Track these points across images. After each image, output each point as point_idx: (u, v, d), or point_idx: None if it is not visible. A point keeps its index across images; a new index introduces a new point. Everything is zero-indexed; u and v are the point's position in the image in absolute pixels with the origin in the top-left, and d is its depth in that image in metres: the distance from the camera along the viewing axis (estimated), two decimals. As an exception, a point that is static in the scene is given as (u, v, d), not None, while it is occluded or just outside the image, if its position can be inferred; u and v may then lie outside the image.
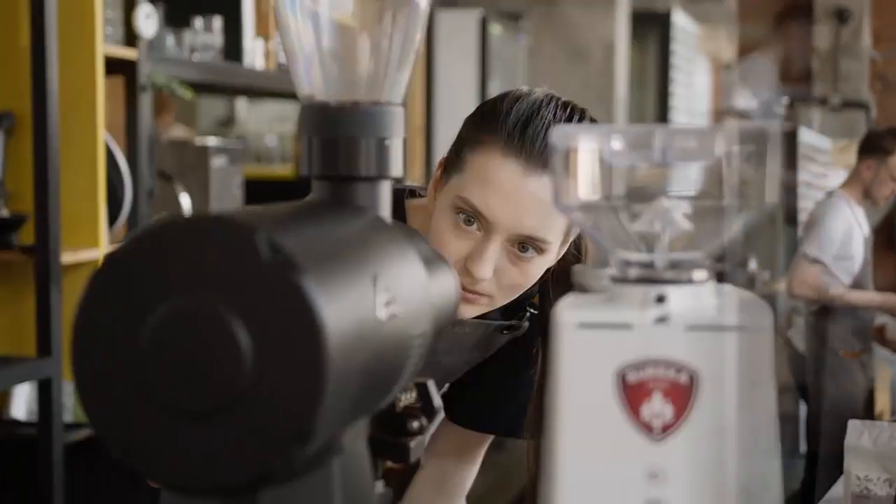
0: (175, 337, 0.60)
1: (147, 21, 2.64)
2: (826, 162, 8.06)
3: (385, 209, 0.80)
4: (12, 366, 2.30)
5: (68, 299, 2.42)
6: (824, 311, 4.29)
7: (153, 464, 0.61)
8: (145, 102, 2.70)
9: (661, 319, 0.67)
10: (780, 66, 7.43)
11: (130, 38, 2.67)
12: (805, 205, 7.48)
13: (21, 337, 2.44)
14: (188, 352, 0.60)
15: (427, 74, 4.58)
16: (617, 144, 0.69)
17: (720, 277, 0.72)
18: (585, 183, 0.70)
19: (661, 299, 0.68)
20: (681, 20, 7.69)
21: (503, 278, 1.27)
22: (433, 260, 0.83)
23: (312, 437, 0.60)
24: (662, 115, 7.65)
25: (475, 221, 1.25)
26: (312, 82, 0.81)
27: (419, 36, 0.82)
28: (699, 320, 0.67)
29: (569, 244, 1.34)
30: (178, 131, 3.94)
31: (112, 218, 2.58)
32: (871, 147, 4.31)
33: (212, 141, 3.18)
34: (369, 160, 0.79)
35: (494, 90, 5.89)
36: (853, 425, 1.94)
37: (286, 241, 0.60)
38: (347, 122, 0.79)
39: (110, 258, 0.61)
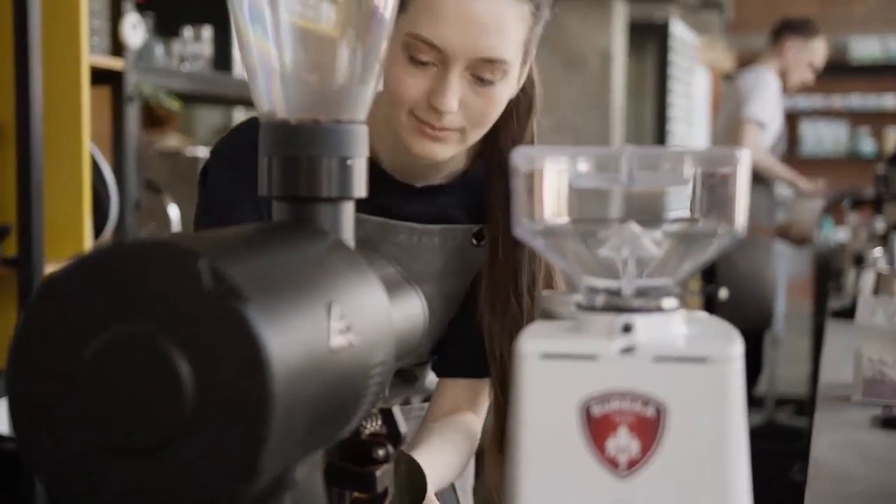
0: (114, 367, 0.57)
1: (134, 31, 2.61)
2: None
3: (347, 231, 0.77)
4: (-5, 379, 2.27)
5: (51, 312, 2.38)
6: None
7: (90, 500, 0.58)
8: (132, 113, 2.67)
9: (628, 350, 0.64)
10: None
11: (118, 47, 2.64)
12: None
13: (4, 350, 2.40)
14: (127, 384, 0.57)
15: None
16: (583, 166, 0.66)
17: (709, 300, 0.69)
18: (550, 206, 0.68)
19: (627, 329, 0.65)
20: (679, 30, 7.66)
21: (469, 109, 1.24)
22: (397, 284, 0.80)
23: (258, 474, 0.57)
24: (660, 124, 7.62)
25: (429, 56, 1.22)
26: (272, 99, 0.78)
27: (383, 50, 0.80)
28: (667, 351, 0.64)
29: (527, 68, 1.32)
30: (172, 141, 3.91)
31: (98, 229, 2.56)
32: (795, 29, 4.52)
33: (202, 151, 3.15)
34: (331, 180, 0.76)
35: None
36: (864, 302, 1.81)
37: (231, 269, 0.58)
38: (308, 141, 0.76)
39: (49, 283, 0.59)
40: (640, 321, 0.65)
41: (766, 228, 4.46)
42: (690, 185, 0.66)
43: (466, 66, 1.22)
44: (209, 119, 4.87)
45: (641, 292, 0.67)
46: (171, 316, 0.57)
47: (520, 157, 0.67)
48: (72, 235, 2.46)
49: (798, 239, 4.83)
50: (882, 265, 2.93)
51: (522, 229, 0.67)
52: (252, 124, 1.36)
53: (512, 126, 1.35)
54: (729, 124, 4.45)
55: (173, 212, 2.90)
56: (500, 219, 1.34)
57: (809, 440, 1.59)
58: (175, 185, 3.03)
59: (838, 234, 8.85)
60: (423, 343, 1.31)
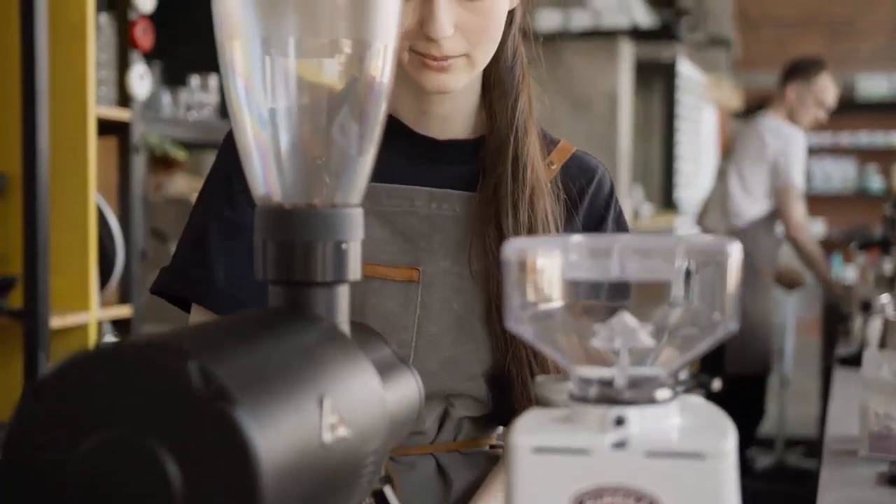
0: (103, 470, 0.57)
1: (141, 82, 2.63)
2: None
3: (342, 314, 0.77)
4: (1, 431, 2.27)
5: (56, 364, 2.38)
6: (750, 232, 4.36)
7: None
8: (138, 163, 2.68)
9: (620, 444, 0.64)
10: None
11: (124, 98, 2.65)
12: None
13: (9, 403, 2.41)
14: (117, 486, 0.57)
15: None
16: (574, 257, 0.66)
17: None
18: (541, 297, 0.68)
19: (620, 422, 0.65)
20: (686, 69, 7.68)
21: (467, 30, 1.17)
22: (391, 365, 0.80)
23: (248, 576, 0.57)
24: (668, 163, 7.63)
25: None
26: (268, 183, 0.78)
27: (377, 134, 0.80)
28: (659, 446, 0.64)
29: None
30: (180, 182, 3.92)
31: (104, 280, 2.56)
32: (797, 71, 4.53)
33: (209, 198, 3.15)
34: (326, 265, 0.76)
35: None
36: (870, 356, 1.78)
37: (221, 368, 0.58)
38: (303, 226, 0.76)
39: (38, 385, 0.59)
40: (633, 414, 0.65)
41: (769, 271, 4.45)
42: (682, 275, 0.66)
43: None
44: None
45: (634, 382, 0.67)
46: (160, 418, 0.57)
47: (510, 250, 0.67)
48: (77, 287, 2.47)
49: (788, 283, 4.82)
50: (890, 312, 2.92)
51: (514, 320, 0.67)
52: None
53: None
54: (757, 179, 4.42)
55: (179, 260, 2.90)
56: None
57: (818, 487, 1.59)
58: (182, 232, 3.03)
59: (847, 273, 8.85)
60: (463, 357, 1.23)
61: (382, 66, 0.78)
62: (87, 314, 2.49)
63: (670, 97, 7.50)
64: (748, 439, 4.62)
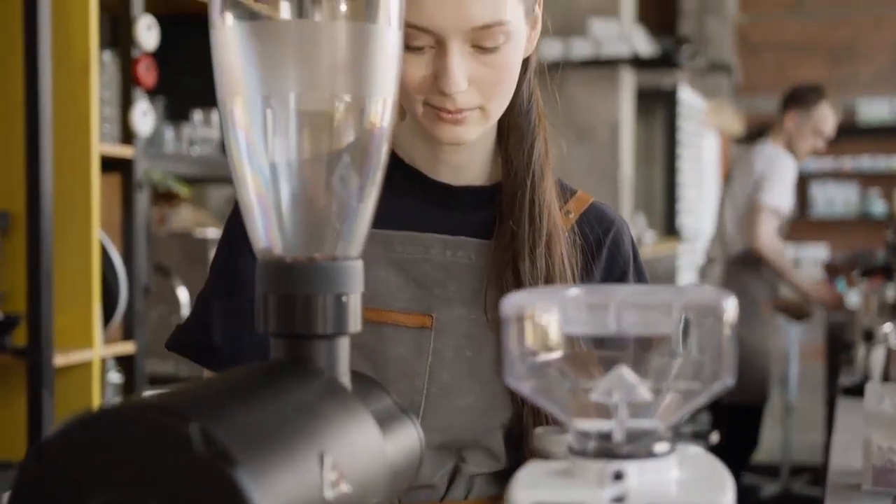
0: (106, 531, 0.58)
1: (144, 119, 2.64)
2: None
3: (343, 366, 0.78)
4: (3, 471, 2.27)
5: (61, 403, 2.39)
6: (747, 260, 4.34)
7: None
8: (142, 200, 2.69)
9: (619, 499, 0.64)
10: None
11: (128, 135, 2.67)
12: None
13: (13, 441, 2.41)
14: (119, 547, 0.57)
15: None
16: (571, 312, 0.67)
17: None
18: (539, 350, 0.68)
19: (618, 476, 0.65)
20: (687, 96, 7.71)
21: (481, 83, 1.15)
22: (392, 416, 0.81)
23: None
24: (670, 190, 7.64)
25: (422, 41, 1.13)
26: (269, 237, 0.79)
27: (377, 185, 0.81)
28: (659, 500, 0.64)
29: (538, 23, 1.24)
30: (185, 212, 3.93)
31: (107, 317, 2.57)
32: (795, 99, 4.51)
33: (212, 232, 3.17)
34: (326, 317, 0.77)
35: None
36: (871, 389, 1.77)
37: (221, 429, 0.58)
38: (304, 279, 0.77)
39: (41, 447, 0.59)
40: (632, 468, 0.65)
41: (767, 302, 4.43)
42: (680, 329, 0.66)
43: (464, 40, 1.13)
44: (220, 193, 4.91)
45: (632, 436, 0.67)
46: (162, 480, 0.57)
47: (509, 305, 0.67)
48: (81, 325, 2.48)
49: (794, 315, 4.80)
50: (893, 341, 2.91)
51: (512, 374, 0.68)
52: None
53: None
54: (746, 203, 4.42)
55: (182, 294, 2.92)
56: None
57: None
58: (185, 267, 3.04)
59: (850, 297, 8.82)
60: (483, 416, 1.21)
61: (381, 119, 0.79)
62: (91, 351, 2.49)
63: (672, 124, 7.52)
64: (742, 467, 4.60)
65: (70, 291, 2.46)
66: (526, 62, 1.25)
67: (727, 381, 0.66)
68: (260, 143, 0.78)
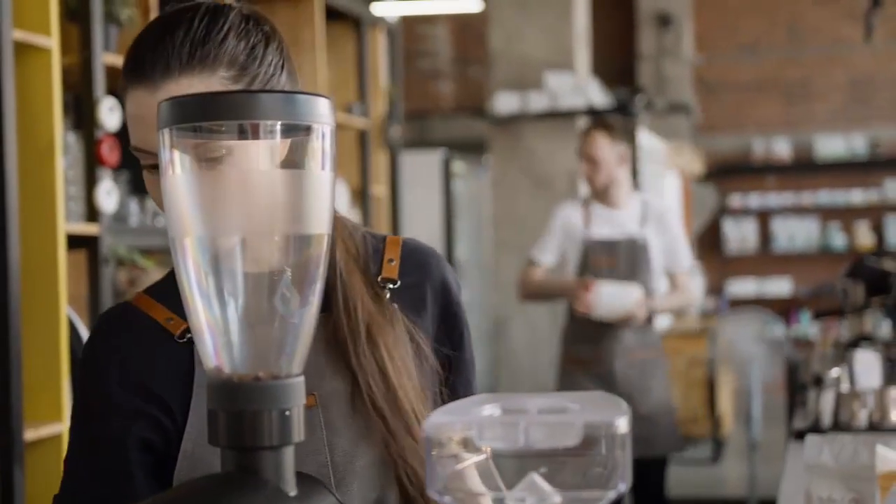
0: None
1: (108, 197, 2.73)
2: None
3: (288, 473, 0.86)
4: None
5: (31, 476, 2.45)
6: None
7: None
8: (107, 274, 2.77)
9: None
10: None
11: (92, 213, 2.75)
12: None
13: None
14: None
15: (393, 215, 4.68)
16: (486, 433, 0.76)
17: None
18: (458, 464, 0.77)
19: (529, 575, 0.74)
20: (646, 140, 7.85)
21: None
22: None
23: None
24: (632, 232, 7.74)
25: (153, 159, 1.17)
26: (218, 357, 0.87)
27: (314, 310, 0.89)
28: None
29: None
30: (154, 276, 3.99)
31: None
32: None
33: (178, 298, 3.23)
34: (272, 431, 0.86)
35: (460, 224, 6.02)
36: (811, 441, 1.79)
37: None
38: (250, 397, 0.86)
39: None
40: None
41: (654, 349, 4.25)
42: (580, 445, 0.75)
43: None
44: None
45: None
46: None
47: (429, 426, 0.76)
48: (49, 398, 2.54)
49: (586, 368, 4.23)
50: (843, 385, 2.97)
51: (434, 488, 0.76)
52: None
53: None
54: None
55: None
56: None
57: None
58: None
59: (811, 330, 8.95)
60: None
61: (320, 249, 0.88)
62: (61, 425, 2.56)
63: (632, 167, 7.64)
64: None
65: (39, 368, 2.52)
66: None
67: (621, 487, 0.75)
68: (209, 275, 0.86)
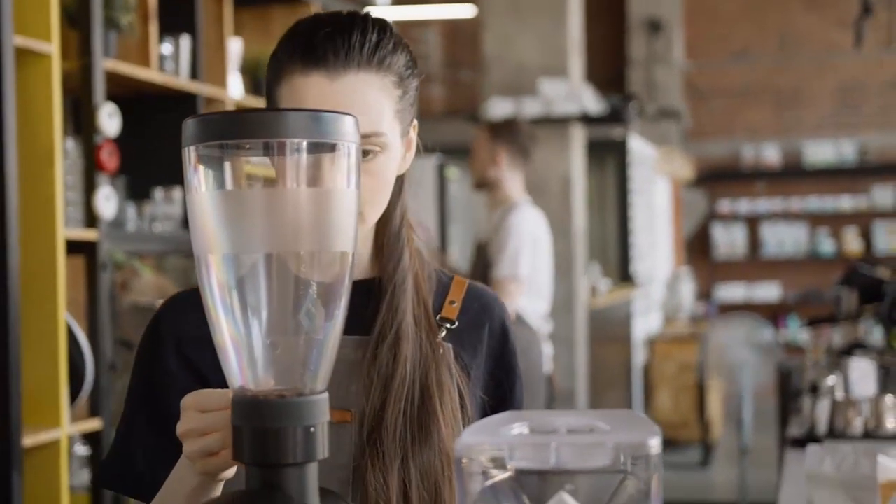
0: None
1: (107, 203, 2.72)
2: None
3: (312, 489, 0.86)
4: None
5: (29, 482, 2.44)
6: None
7: None
8: (105, 279, 2.76)
9: None
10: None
11: (91, 218, 2.74)
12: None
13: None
14: None
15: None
16: (517, 453, 0.76)
17: None
18: (488, 481, 0.77)
19: None
20: (637, 145, 7.87)
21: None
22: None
23: None
24: (623, 237, 7.77)
25: None
26: (243, 376, 0.88)
27: (339, 326, 0.90)
28: None
29: (413, 143, 1.32)
30: (147, 278, 3.98)
31: (74, 395, 2.63)
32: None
33: (174, 303, 3.23)
34: (296, 448, 0.86)
35: (454, 231, 6.02)
36: (813, 451, 1.82)
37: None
38: (275, 415, 0.86)
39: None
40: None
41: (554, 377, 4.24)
42: (613, 466, 0.75)
43: None
44: (179, 261, 4.96)
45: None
46: None
47: (461, 446, 0.76)
48: (48, 405, 2.53)
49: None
50: (838, 393, 2.98)
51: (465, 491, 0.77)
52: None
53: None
54: None
55: (147, 368, 2.97)
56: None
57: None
58: (148, 338, 3.09)
59: (800, 335, 8.97)
60: None
61: (345, 266, 0.89)
62: (59, 430, 2.55)
63: (623, 173, 7.67)
64: None
65: (36, 373, 2.51)
66: (400, 183, 1.33)
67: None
68: (233, 293, 0.87)
